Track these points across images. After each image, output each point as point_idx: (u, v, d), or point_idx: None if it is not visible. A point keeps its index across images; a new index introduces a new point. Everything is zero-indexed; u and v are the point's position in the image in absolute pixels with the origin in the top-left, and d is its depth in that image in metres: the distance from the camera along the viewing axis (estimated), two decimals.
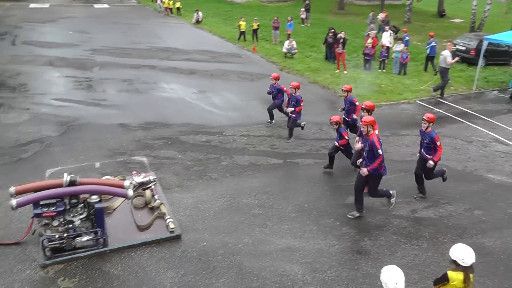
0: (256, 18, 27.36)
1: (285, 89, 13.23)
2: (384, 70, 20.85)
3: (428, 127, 9.38)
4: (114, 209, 8.83)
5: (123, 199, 8.50)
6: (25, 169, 10.61)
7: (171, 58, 22.36)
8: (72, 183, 7.28)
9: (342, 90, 12.30)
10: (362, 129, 8.62)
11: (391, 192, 9.19)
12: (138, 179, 9.54)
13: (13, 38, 25.57)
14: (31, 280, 7.10)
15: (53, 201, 7.22)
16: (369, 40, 21.18)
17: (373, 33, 22.29)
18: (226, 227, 8.49)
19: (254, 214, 8.91)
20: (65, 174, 7.35)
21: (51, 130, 12.93)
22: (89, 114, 14.26)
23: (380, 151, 8.37)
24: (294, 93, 12.43)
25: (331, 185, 10.06)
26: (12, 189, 7.11)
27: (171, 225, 8.17)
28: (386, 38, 22.15)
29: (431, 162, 9.32)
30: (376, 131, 8.79)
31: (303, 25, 33.32)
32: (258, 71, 20.40)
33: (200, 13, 33.22)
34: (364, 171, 8.55)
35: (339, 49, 20.43)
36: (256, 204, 9.29)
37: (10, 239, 8.01)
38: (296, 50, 23.09)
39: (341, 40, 20.22)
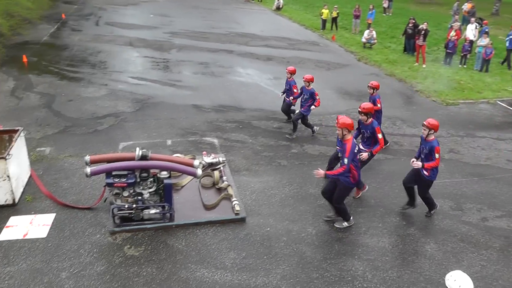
0: (336, 6, 26.88)
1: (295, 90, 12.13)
2: (465, 66, 19.86)
3: (429, 134, 8.03)
4: (182, 186, 9.12)
5: (192, 177, 8.73)
6: (100, 140, 11.21)
7: (248, 44, 22.54)
8: (143, 157, 7.59)
9: (368, 86, 11.14)
10: (337, 131, 7.75)
11: (351, 218, 8.26)
12: (208, 159, 9.79)
13: (97, 19, 26.81)
14: (100, 244, 7.54)
15: (125, 172, 7.56)
16: (452, 33, 20.03)
17: (457, 25, 21.07)
18: (291, 215, 8.53)
19: (320, 205, 8.86)
20: (137, 149, 7.68)
21: (127, 106, 13.52)
22: (164, 93, 14.74)
23: (346, 160, 7.49)
24: (308, 87, 11.58)
25: (400, 182, 9.75)
26: (87, 158, 7.58)
27: (237, 207, 8.32)
28: (471, 31, 20.94)
29: (419, 163, 8.05)
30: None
31: (384, 14, 32.42)
32: (335, 60, 20.16)
33: (281, 0, 33.10)
34: (320, 173, 7.68)
35: (419, 41, 19.58)
36: None
37: (83, 204, 8.57)
38: (375, 41, 22.55)
39: (423, 32, 19.37)
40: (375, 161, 10.76)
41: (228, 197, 8.70)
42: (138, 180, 7.73)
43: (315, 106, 11.56)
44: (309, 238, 7.91)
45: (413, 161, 8.22)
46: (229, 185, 9.03)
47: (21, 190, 8.85)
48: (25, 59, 17.47)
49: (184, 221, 8.09)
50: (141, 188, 7.80)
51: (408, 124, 13.13)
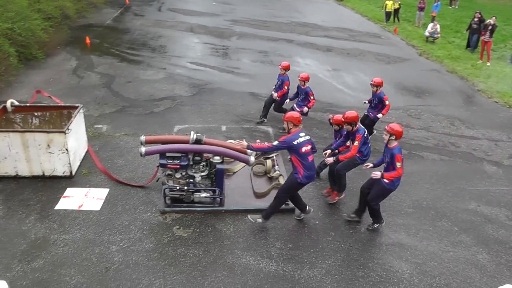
0: None
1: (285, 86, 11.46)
2: None
3: (390, 140, 7.36)
4: (234, 173, 9.15)
5: (244, 164, 8.74)
6: (156, 122, 11.42)
7: (309, 34, 22.36)
8: (197, 141, 7.65)
9: (370, 84, 10.68)
10: (284, 125, 7.48)
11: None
12: None
13: (160, 5, 27.33)
14: (150, 222, 7.71)
15: (178, 155, 7.66)
16: None
17: None
18: (340, 210, 8.40)
19: None
20: (192, 132, 7.77)
21: (184, 90, 13.71)
22: (222, 80, 14.83)
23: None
24: (303, 86, 11.04)
25: (454, 186, 9.44)
26: (143, 138, 7.74)
27: None
28: None
29: (378, 173, 7.38)
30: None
31: (450, 7, 31.18)
32: (396, 54, 19.68)
33: None
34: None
35: (486, 37, 18.49)
36: None
37: (136, 182, 8.77)
38: (439, 35, 21.75)
39: (490, 27, 18.31)
40: (430, 160, 10.44)
41: (279, 187, 8.64)
42: (191, 163, 7.82)
43: (308, 107, 11.09)
44: (357, 235, 7.75)
45: (367, 166, 7.85)
46: (281, 175, 8.98)
47: (78, 163, 9.17)
48: (88, 40, 18.07)
49: (233, 207, 8.13)
50: (194, 171, 7.89)
51: (466, 125, 12.60)
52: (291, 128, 7.33)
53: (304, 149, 7.17)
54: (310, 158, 7.29)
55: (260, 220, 7.71)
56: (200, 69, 15.82)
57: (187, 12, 25.79)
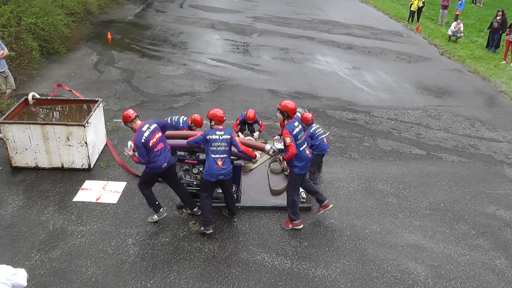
0: None
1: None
2: None
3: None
4: (251, 170, 9.16)
5: (261, 162, 8.81)
6: None
7: (330, 31, 22.25)
8: None
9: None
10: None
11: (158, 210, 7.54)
12: (279, 145, 9.72)
13: (182, 1, 27.47)
14: (166, 216, 7.71)
15: (196, 150, 7.69)
16: None
17: None
18: (357, 210, 8.34)
19: (387, 202, 8.62)
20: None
21: (203, 86, 13.75)
22: (242, 76, 14.84)
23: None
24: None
25: (472, 188, 9.29)
26: None
27: (303, 195, 8.23)
28: None
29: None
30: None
31: (474, 5, 30.52)
32: (417, 52, 19.46)
33: None
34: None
35: (510, 37, 18.00)
36: (391, 193, 8.96)
37: None
38: (462, 34, 21.35)
39: None
40: (449, 162, 10.30)
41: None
42: None
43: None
44: (372, 236, 7.69)
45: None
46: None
47: (97, 156, 9.28)
48: (109, 36, 18.23)
49: (250, 203, 8.13)
50: None
51: (487, 126, 12.40)
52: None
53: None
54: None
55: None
56: (220, 66, 15.85)
57: (208, 8, 25.86)
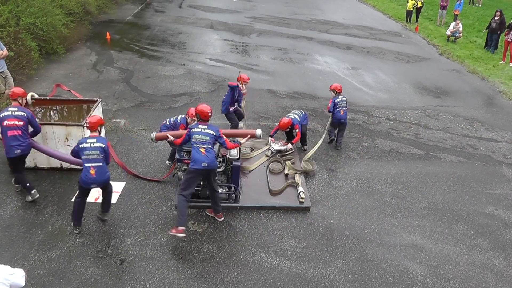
0: None
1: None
2: None
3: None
4: (250, 171, 9.17)
5: (261, 163, 8.88)
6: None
7: (329, 31, 22.27)
8: None
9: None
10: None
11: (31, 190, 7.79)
12: (276, 146, 9.77)
13: (181, 1, 27.47)
14: (165, 216, 7.77)
15: None
16: None
17: None
18: (355, 210, 8.35)
19: (386, 203, 8.63)
20: None
21: (202, 86, 13.76)
22: None
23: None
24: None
25: (471, 188, 9.31)
26: (153, 135, 8.02)
27: (302, 195, 8.25)
28: None
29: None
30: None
31: (472, 5, 30.53)
32: (416, 53, 19.49)
33: None
34: None
35: (509, 37, 18.02)
36: (390, 193, 8.98)
37: (152, 176, 8.85)
38: (460, 34, 21.38)
39: None
40: (447, 162, 10.32)
41: (295, 185, 8.65)
42: None
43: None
44: (371, 236, 7.71)
45: None
46: (296, 173, 8.97)
47: None
48: (108, 36, 18.23)
49: (248, 203, 8.14)
50: None
51: (486, 126, 12.42)
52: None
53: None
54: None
55: None
56: (219, 66, 15.85)
57: (207, 8, 25.86)
